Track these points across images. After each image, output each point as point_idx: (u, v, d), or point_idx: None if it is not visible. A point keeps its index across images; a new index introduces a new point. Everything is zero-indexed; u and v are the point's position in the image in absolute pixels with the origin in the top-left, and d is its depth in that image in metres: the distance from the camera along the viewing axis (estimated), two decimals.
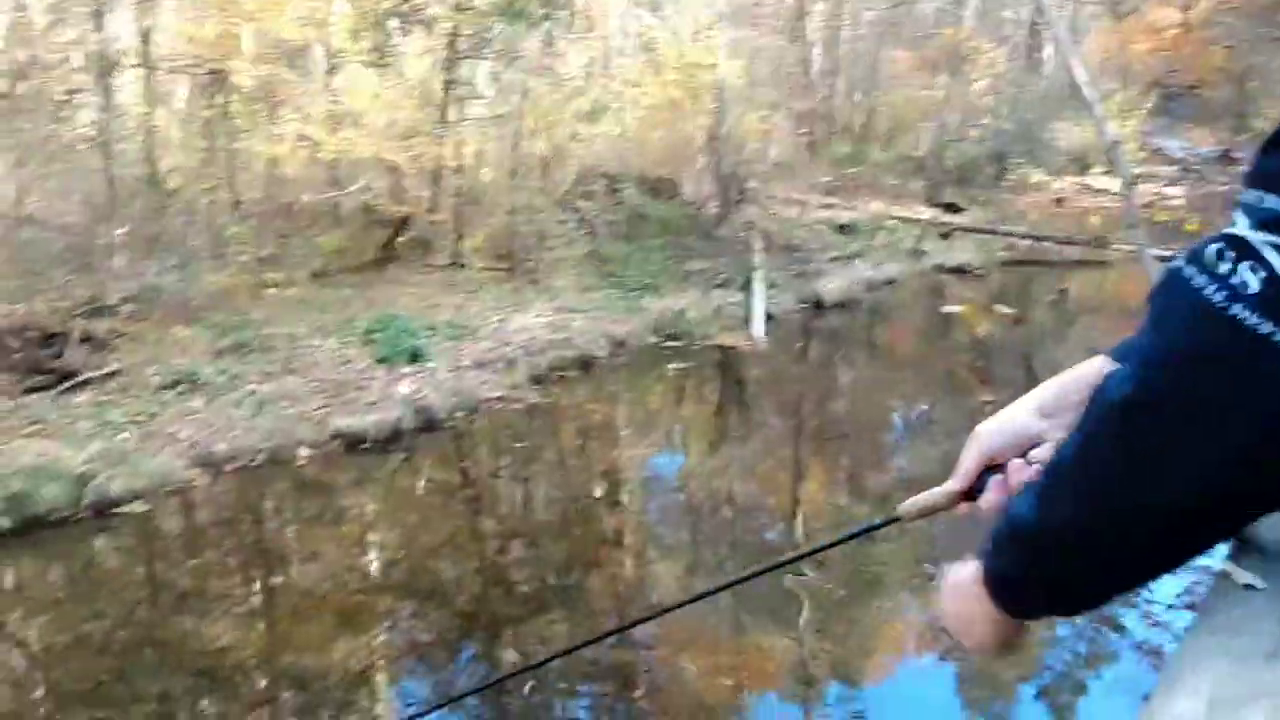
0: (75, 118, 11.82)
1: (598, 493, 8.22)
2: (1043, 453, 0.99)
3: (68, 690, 5.26)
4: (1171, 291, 0.73)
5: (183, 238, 11.36)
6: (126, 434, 8.20)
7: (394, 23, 14.54)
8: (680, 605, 4.34)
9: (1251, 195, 0.71)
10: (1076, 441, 0.78)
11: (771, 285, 14.45)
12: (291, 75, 13.69)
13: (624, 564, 6.94)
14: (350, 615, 6.05)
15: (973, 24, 25.12)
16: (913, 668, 5.73)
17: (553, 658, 5.56)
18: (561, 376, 10.88)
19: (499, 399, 9.93)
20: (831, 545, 1.41)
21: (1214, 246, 0.71)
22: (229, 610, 6.25)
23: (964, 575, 0.94)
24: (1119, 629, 5.83)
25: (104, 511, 7.24)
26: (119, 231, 10.59)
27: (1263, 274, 0.68)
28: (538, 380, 10.57)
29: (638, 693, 5.24)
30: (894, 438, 10.12)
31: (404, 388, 9.59)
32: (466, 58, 14.51)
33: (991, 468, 1.04)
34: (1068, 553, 0.80)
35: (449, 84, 14.12)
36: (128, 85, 13.64)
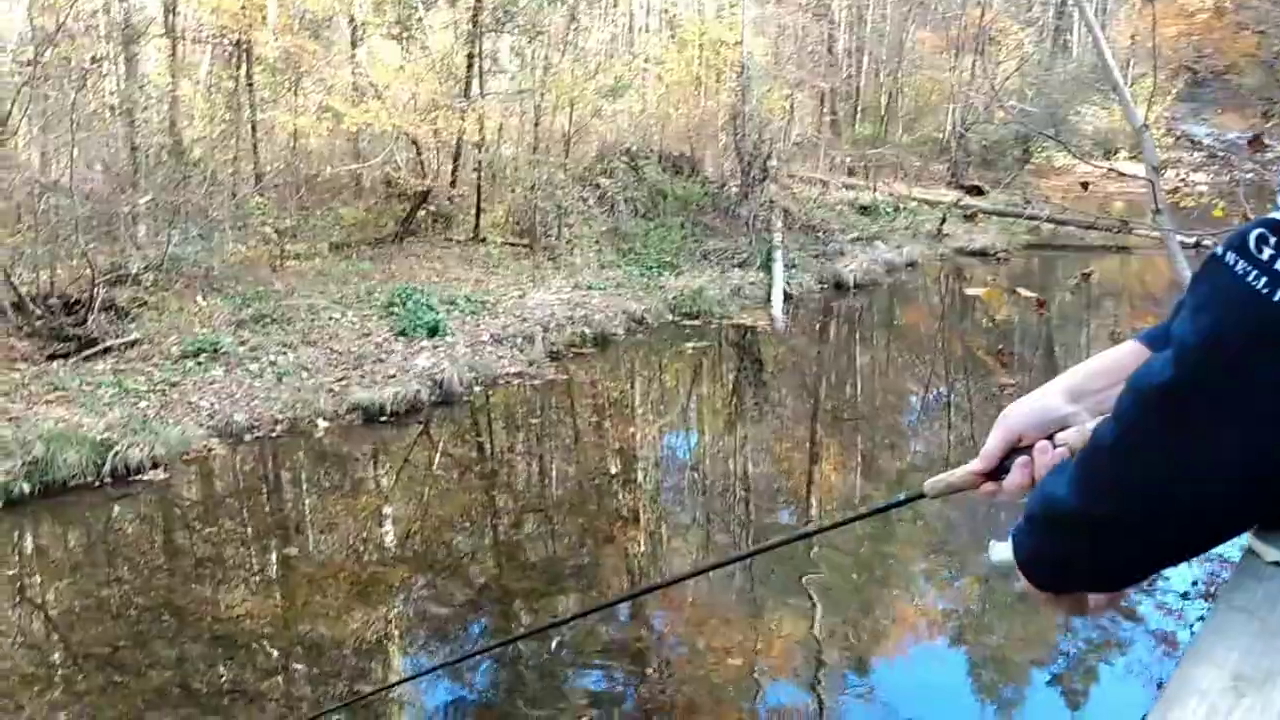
0: (100, 86, 11.86)
1: (613, 469, 8.24)
2: (1068, 436, 0.99)
3: (86, 653, 5.33)
4: (1213, 278, 0.72)
5: (205, 208, 11.41)
6: (147, 402, 8.27)
7: None
8: (697, 573, 4.35)
9: None
10: (1114, 426, 0.78)
11: (791, 265, 14.41)
12: (315, 47, 13.68)
13: (637, 540, 6.96)
14: (365, 585, 6.10)
15: (999, 5, 24.86)
16: (926, 650, 5.73)
17: (561, 621, 5.58)
18: (579, 353, 10.89)
19: (516, 374, 9.96)
20: (857, 519, 1.43)
21: (1256, 233, 0.71)
22: (246, 578, 6.31)
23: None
24: (1134, 618, 5.82)
25: (124, 478, 7.31)
26: (142, 200, 10.64)
27: None
28: (555, 356, 10.59)
29: (649, 668, 5.27)
30: (911, 420, 10.09)
31: (422, 361, 9.63)
32: (490, 31, 14.47)
33: (1017, 449, 1.04)
34: (1107, 535, 0.80)
35: (472, 58, 14.09)
36: (152, 55, 13.69)
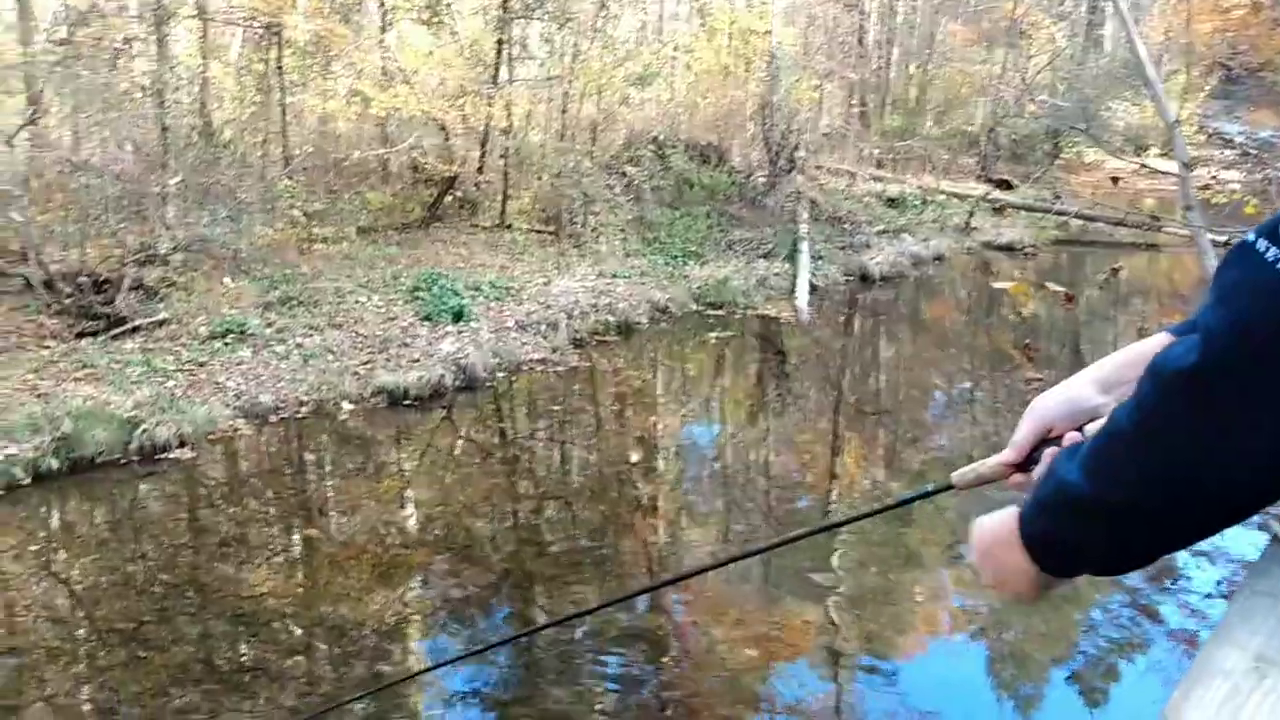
0: (131, 66, 11.93)
1: (634, 458, 8.25)
2: (1097, 426, 0.98)
3: (111, 628, 5.39)
4: (1242, 265, 0.72)
5: (233, 190, 11.47)
6: (174, 381, 8.34)
7: None
8: (718, 566, 4.35)
9: None
10: (1133, 410, 0.78)
11: (817, 257, 14.36)
12: (345, 30, 13.71)
13: (657, 529, 6.97)
14: (387, 567, 6.14)
15: None
16: (945, 645, 5.72)
17: (582, 614, 5.60)
18: (602, 341, 10.90)
19: (540, 361, 9.98)
20: (884, 510, 1.43)
21: None
22: (269, 557, 6.37)
23: (1003, 528, 0.94)
24: (1156, 617, 5.78)
25: (151, 456, 7.39)
26: (171, 181, 10.71)
27: None
28: (579, 344, 10.60)
29: (667, 657, 5.28)
30: (936, 414, 10.04)
31: (446, 346, 9.66)
32: (519, 18, 14.45)
33: (1046, 440, 1.04)
34: (1122, 521, 0.80)
35: (501, 44, 14.09)
36: (183, 36, 13.76)
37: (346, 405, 8.57)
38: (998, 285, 14.77)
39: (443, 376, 9.11)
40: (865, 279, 14.58)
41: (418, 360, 9.33)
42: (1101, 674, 5.41)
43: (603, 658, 5.24)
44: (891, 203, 18.27)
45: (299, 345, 9.33)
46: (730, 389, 10.85)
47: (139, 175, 10.88)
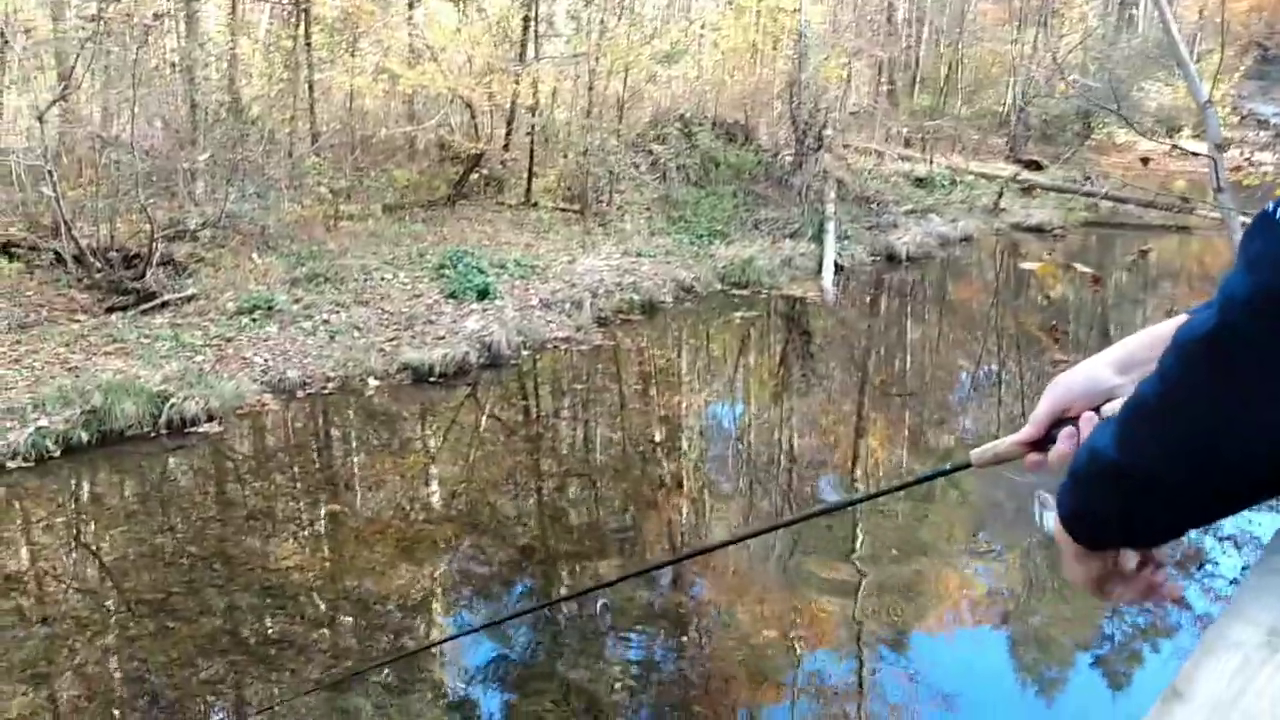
0: (161, 43, 12.00)
1: (657, 436, 8.26)
2: (1115, 407, 0.98)
3: (139, 599, 5.46)
4: (1266, 235, 0.71)
5: (261, 166, 11.53)
6: (202, 356, 8.42)
7: None
8: (740, 539, 4.36)
9: None
10: (1156, 380, 0.78)
11: (843, 236, 14.29)
12: (372, 8, 13.72)
13: (680, 508, 6.99)
14: (411, 542, 6.18)
15: None
16: (967, 626, 5.71)
17: (603, 585, 5.63)
18: (626, 320, 10.90)
19: (564, 339, 10.00)
20: (902, 487, 1.44)
21: None
22: (295, 531, 6.43)
23: (1056, 524, 0.95)
24: (1179, 601, 5.75)
25: (179, 430, 7.47)
26: (200, 157, 10.78)
27: None
28: (603, 322, 10.61)
29: (688, 635, 5.30)
30: (961, 395, 10.00)
31: (472, 324, 9.69)
32: None
33: (1064, 420, 1.04)
34: (1147, 492, 0.80)
35: (528, 21, 14.06)
36: (212, 12, 13.81)
37: (372, 381, 8.62)
38: (1025, 266, 14.67)
39: (467, 354, 9.14)
40: (892, 259, 14.51)
41: (443, 337, 9.37)
42: (1125, 658, 5.39)
43: (623, 634, 5.26)
44: (919, 182, 18.15)
45: (325, 321, 9.39)
46: (754, 369, 10.83)
47: (168, 151, 10.96)
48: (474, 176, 14.17)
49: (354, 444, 8.01)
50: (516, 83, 13.33)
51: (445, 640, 5.19)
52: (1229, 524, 6.46)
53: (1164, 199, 17.00)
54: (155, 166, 10.55)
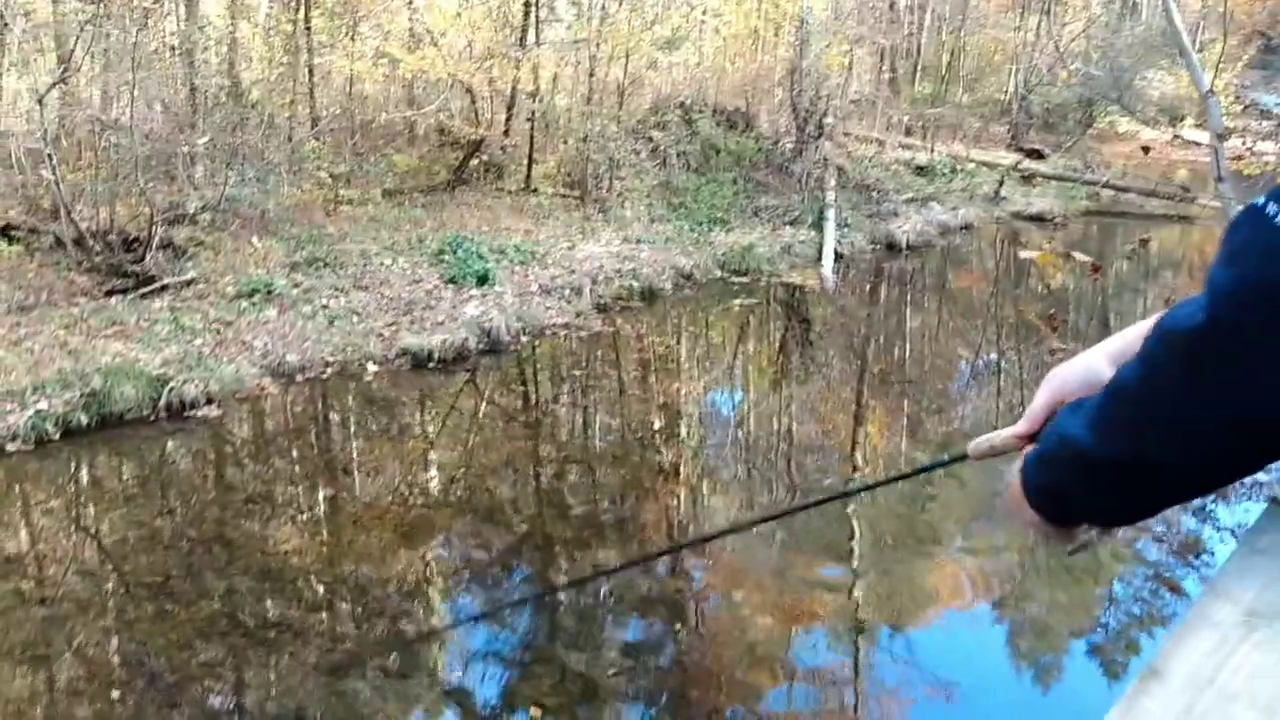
0: (161, 26, 11.96)
1: (656, 423, 8.27)
2: None
3: (138, 582, 5.48)
4: (1250, 228, 0.72)
5: (261, 150, 11.51)
6: (202, 340, 8.42)
7: None
8: (737, 529, 4.37)
9: None
10: (1138, 366, 0.79)
11: (843, 224, 14.27)
12: None
13: (678, 494, 7.00)
14: (410, 527, 6.20)
15: None
16: (964, 614, 5.73)
17: (599, 574, 5.65)
18: (626, 306, 10.90)
19: (563, 325, 10.00)
20: (899, 478, 1.44)
21: None
22: (294, 515, 6.44)
23: (1014, 484, 0.98)
24: (1176, 590, 5.77)
25: (178, 413, 7.47)
26: (200, 141, 10.75)
27: None
28: (602, 309, 10.61)
29: (685, 621, 5.32)
30: (960, 384, 10.01)
31: (471, 309, 9.69)
32: None
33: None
34: (1124, 476, 0.81)
35: (529, 6, 14.01)
36: None
37: (371, 366, 8.63)
38: (1024, 255, 14.66)
39: (467, 339, 9.14)
40: (892, 247, 14.49)
41: (442, 323, 9.36)
42: (1122, 647, 5.41)
43: (621, 620, 5.28)
44: (920, 171, 18.11)
45: (325, 306, 9.39)
46: (754, 356, 10.84)
47: (168, 135, 10.93)
48: (474, 162, 14.14)
49: (353, 429, 8.01)
50: (517, 68, 13.28)
51: (451, 627, 5.21)
52: (1225, 512, 6.48)
53: (1165, 188, 16.98)
54: (155, 150, 10.52)
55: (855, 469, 7.50)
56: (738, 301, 11.71)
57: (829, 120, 16.35)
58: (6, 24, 10.81)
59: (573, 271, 11.08)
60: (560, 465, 7.43)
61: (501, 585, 5.73)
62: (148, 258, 9.47)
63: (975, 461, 1.18)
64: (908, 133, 20.47)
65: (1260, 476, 5.05)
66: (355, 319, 9.24)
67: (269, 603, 5.33)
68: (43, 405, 6.99)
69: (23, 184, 10.00)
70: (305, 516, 6.48)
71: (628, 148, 14.60)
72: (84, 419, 7.09)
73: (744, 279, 12.30)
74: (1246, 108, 20.72)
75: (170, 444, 7.28)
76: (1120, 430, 0.80)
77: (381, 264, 10.49)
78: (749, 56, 18.36)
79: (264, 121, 12.22)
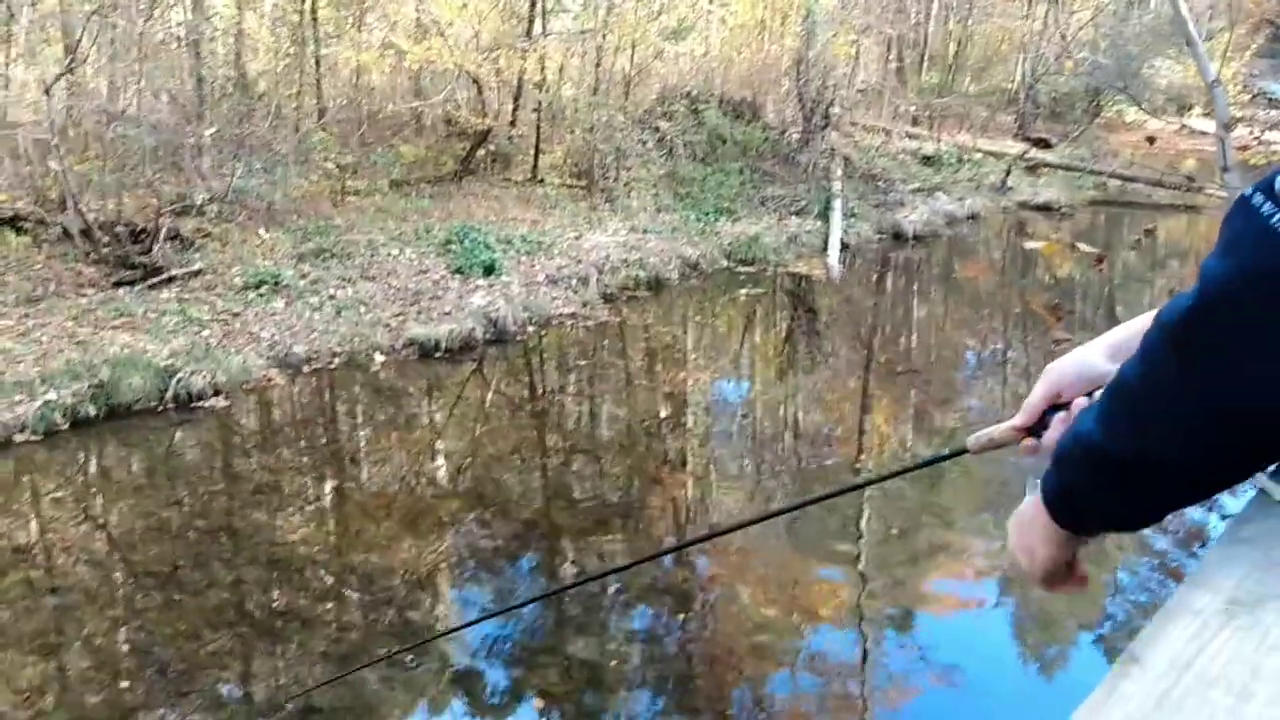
0: (167, 17, 11.96)
1: (663, 413, 8.28)
2: None
3: (147, 572, 5.51)
4: (1242, 219, 0.73)
5: (268, 142, 11.52)
6: (209, 331, 8.44)
7: None
8: (743, 525, 4.38)
9: None
10: (1137, 361, 0.79)
11: (850, 214, 14.25)
12: None
13: (685, 485, 7.02)
14: (417, 517, 6.22)
15: None
16: (969, 606, 5.74)
17: (609, 572, 5.67)
18: (632, 296, 10.91)
19: (570, 315, 10.01)
20: (900, 473, 1.44)
21: None
22: (301, 505, 6.47)
23: (1027, 505, 0.97)
24: (1183, 581, 5.76)
25: (186, 404, 7.51)
26: (207, 132, 10.76)
27: None
28: (609, 299, 10.62)
29: (692, 612, 5.34)
30: (965, 375, 10.00)
31: (478, 299, 9.70)
32: None
33: (1057, 405, 1.05)
34: (1131, 469, 0.81)
35: None
36: None
37: (378, 357, 8.65)
38: (1029, 245, 14.63)
39: (473, 329, 9.16)
40: (898, 237, 14.47)
41: (449, 313, 9.38)
42: (1127, 636, 5.41)
43: (628, 611, 5.30)
44: (927, 160, 18.05)
45: (332, 297, 9.41)
46: (760, 346, 10.84)
47: (175, 126, 10.94)
48: (481, 152, 14.13)
49: (360, 419, 8.04)
50: (524, 59, 13.26)
51: (464, 626, 5.22)
52: (1231, 502, 6.48)
53: (1171, 178, 16.90)
54: (162, 141, 10.54)
55: (861, 458, 7.50)
56: (744, 291, 11.70)
57: (835, 110, 16.31)
58: (14, 14, 10.83)
59: (579, 261, 11.08)
60: (567, 455, 7.45)
61: (509, 575, 5.75)
62: (155, 249, 9.50)
63: (975, 455, 1.19)
64: (914, 122, 20.40)
65: None
66: (362, 309, 9.26)
67: (276, 592, 5.36)
68: (51, 396, 7.02)
69: (30, 175, 10.02)
70: (313, 506, 6.50)
71: (634, 138, 14.57)
72: (92, 410, 7.12)
73: (750, 269, 12.29)
74: (1254, 97, 20.63)
75: (178, 435, 7.31)
76: (1125, 427, 0.80)
77: (388, 254, 10.51)
78: (755, 46, 18.30)
79: (271, 112, 12.22)
